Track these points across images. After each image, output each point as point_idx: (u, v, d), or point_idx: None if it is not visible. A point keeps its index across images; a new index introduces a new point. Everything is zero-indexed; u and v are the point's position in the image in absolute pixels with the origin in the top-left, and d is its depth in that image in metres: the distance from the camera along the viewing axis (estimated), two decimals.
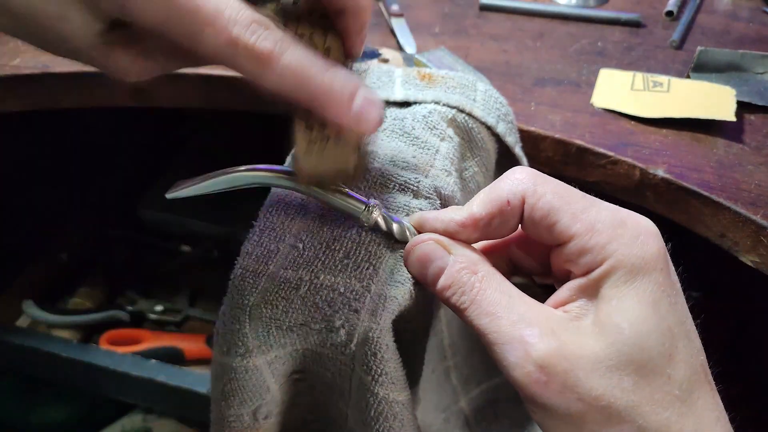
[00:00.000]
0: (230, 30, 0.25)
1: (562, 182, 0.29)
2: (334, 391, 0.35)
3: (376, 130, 0.29)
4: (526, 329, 0.26)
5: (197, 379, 0.73)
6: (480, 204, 0.29)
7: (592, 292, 0.27)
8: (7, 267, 0.88)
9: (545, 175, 0.29)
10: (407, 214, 0.34)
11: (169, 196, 0.32)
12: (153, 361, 0.74)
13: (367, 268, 0.31)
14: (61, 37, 0.26)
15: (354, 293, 0.31)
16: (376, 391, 0.31)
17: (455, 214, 0.30)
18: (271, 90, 0.27)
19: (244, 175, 0.32)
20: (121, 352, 0.76)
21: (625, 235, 0.26)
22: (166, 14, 0.25)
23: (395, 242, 0.32)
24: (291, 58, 0.26)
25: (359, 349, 0.31)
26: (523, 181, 0.29)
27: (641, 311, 0.25)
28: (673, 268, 0.27)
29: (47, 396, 0.85)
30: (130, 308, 0.86)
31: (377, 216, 0.32)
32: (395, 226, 0.32)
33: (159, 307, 0.86)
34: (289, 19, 0.31)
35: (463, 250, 0.29)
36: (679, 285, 0.27)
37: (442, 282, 0.29)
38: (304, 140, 0.29)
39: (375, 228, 0.32)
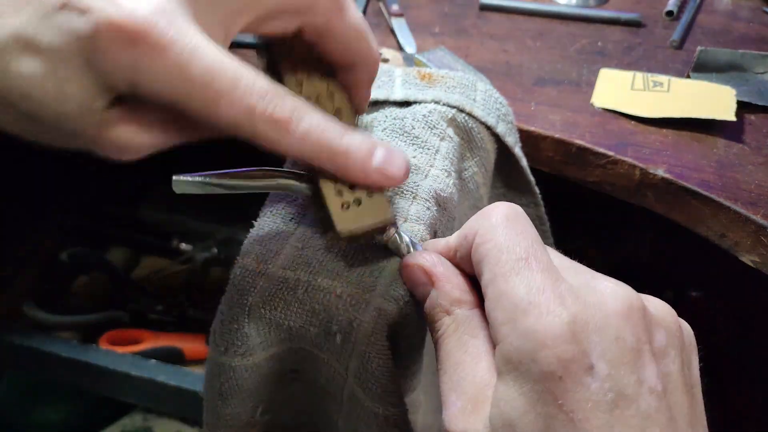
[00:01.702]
0: (247, 99, 0.25)
1: (526, 233, 0.25)
2: (326, 396, 0.35)
3: (405, 179, 0.29)
4: (453, 396, 0.25)
5: (197, 379, 0.73)
6: (454, 234, 0.29)
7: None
8: (7, 267, 0.88)
9: (516, 217, 0.26)
10: (405, 220, 0.34)
11: (176, 189, 0.30)
12: (153, 361, 0.74)
13: (368, 276, 0.31)
14: (57, 119, 0.24)
15: (352, 300, 0.30)
16: (366, 404, 0.31)
17: (443, 241, 0.30)
18: (291, 155, 0.27)
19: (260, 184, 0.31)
20: (121, 352, 0.76)
21: (522, 323, 0.23)
22: (181, 86, 0.24)
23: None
24: (308, 123, 0.26)
25: (354, 360, 0.31)
26: (482, 219, 0.27)
27: (522, 422, 0.22)
28: (587, 381, 0.21)
29: (47, 396, 0.85)
30: (130, 308, 0.86)
31: (391, 237, 0.31)
32: (403, 246, 0.31)
33: (159, 307, 0.86)
34: (288, 73, 0.31)
35: (445, 285, 0.28)
36: (580, 409, 0.21)
37: (425, 307, 0.29)
38: (336, 206, 0.29)
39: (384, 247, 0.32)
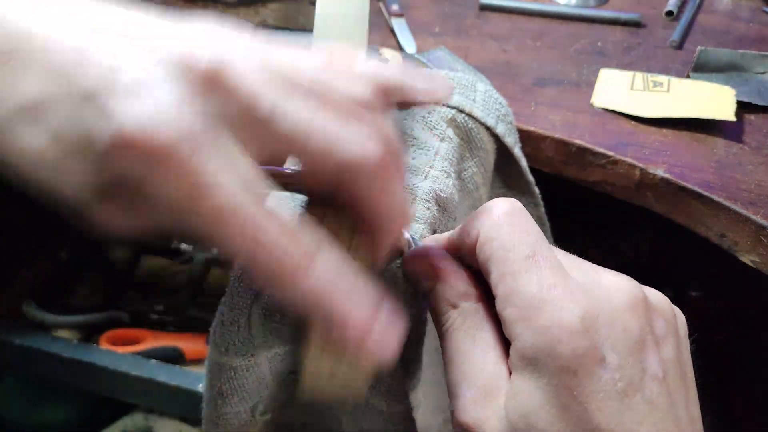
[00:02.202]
0: (248, 246, 0.22)
1: (530, 230, 0.26)
2: None
3: (394, 359, 0.25)
4: (464, 387, 0.26)
5: (197, 379, 0.73)
6: (456, 230, 0.29)
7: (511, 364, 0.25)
8: (7, 267, 0.88)
9: (518, 213, 0.26)
10: None
11: None
12: (153, 361, 0.74)
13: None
14: (43, 189, 0.22)
15: None
16: (371, 401, 0.31)
17: (445, 236, 0.30)
18: (280, 300, 0.24)
19: None
20: (121, 352, 0.76)
21: (536, 320, 0.23)
22: (186, 213, 0.21)
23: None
24: (312, 282, 0.22)
25: None
26: (485, 216, 0.27)
27: (538, 414, 0.23)
28: (599, 373, 0.23)
29: (47, 396, 0.85)
30: (130, 308, 0.86)
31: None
32: (405, 243, 0.31)
33: (159, 307, 0.86)
34: (315, 202, 0.28)
35: (451, 279, 0.28)
36: (593, 399, 0.23)
37: (430, 301, 0.29)
38: (316, 354, 0.26)
39: None
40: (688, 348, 0.27)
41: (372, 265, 0.27)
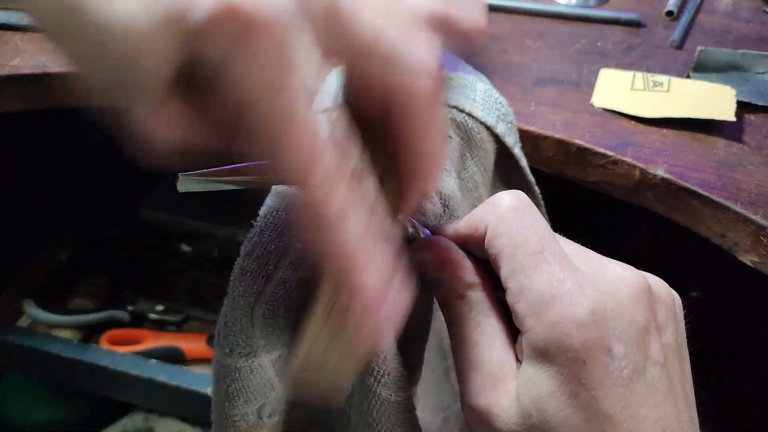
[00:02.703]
0: (308, 164, 0.21)
1: (537, 224, 0.26)
2: None
3: (389, 336, 0.24)
4: (473, 373, 0.27)
5: (197, 379, 0.73)
6: (463, 222, 0.29)
7: (521, 355, 0.26)
8: (7, 267, 0.88)
9: (525, 208, 0.27)
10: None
11: (181, 188, 0.29)
12: (153, 361, 0.74)
13: None
14: (128, 66, 0.20)
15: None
16: (378, 392, 0.31)
17: (451, 227, 0.30)
18: (302, 244, 0.23)
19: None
20: (121, 352, 0.76)
21: (547, 315, 0.24)
22: (262, 96, 0.20)
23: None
24: (345, 237, 0.22)
25: None
26: (492, 211, 0.27)
27: (549, 400, 0.24)
28: (607, 362, 0.24)
29: (47, 396, 0.85)
30: (130, 308, 0.86)
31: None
32: (411, 232, 0.31)
33: (159, 307, 0.86)
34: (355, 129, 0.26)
35: (458, 270, 0.29)
36: (601, 387, 0.24)
37: (437, 291, 0.30)
38: (315, 330, 0.24)
39: None
40: (684, 328, 0.28)
41: (396, 214, 0.26)
